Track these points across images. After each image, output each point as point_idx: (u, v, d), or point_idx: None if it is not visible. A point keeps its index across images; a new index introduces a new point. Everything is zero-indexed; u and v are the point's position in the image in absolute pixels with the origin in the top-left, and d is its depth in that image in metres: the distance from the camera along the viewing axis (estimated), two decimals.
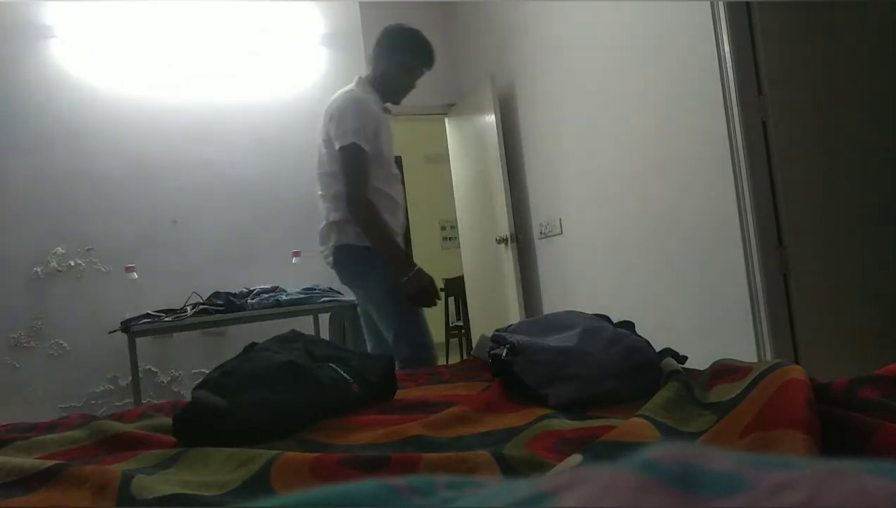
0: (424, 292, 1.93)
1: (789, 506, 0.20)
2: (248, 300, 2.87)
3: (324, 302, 2.93)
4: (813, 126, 2.45)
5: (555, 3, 3.38)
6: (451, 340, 5.31)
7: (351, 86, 2.06)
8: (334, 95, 2.02)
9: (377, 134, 1.96)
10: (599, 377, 1.17)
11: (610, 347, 1.23)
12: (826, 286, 2.38)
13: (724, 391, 1.06)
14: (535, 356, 1.21)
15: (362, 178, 1.89)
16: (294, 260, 3.26)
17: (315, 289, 3.04)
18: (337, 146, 1.89)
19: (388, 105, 2.14)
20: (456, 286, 5.01)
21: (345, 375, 1.25)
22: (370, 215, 1.90)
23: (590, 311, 1.55)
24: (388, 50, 2.08)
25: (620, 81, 2.95)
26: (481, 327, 4.39)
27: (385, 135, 2.01)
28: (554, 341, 1.25)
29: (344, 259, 1.99)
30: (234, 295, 2.90)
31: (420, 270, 1.94)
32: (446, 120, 4.70)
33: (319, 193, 2.05)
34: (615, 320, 1.45)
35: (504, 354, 1.23)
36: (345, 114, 1.91)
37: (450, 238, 7.07)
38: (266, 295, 2.92)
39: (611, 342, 1.24)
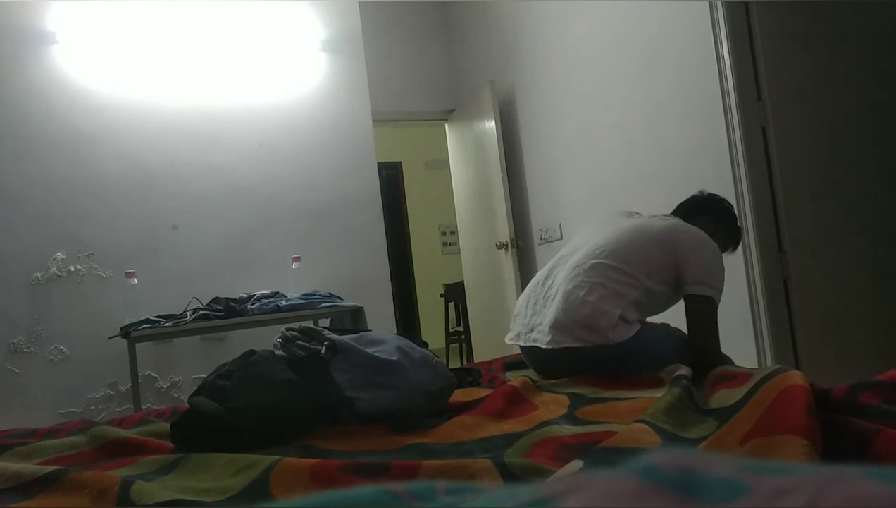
0: None
1: None
2: (248, 306, 2.87)
3: (324, 307, 2.93)
4: (812, 131, 2.45)
5: (555, 9, 3.39)
6: (452, 345, 5.31)
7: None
8: (693, 231, 1.77)
9: None
10: (412, 393, 1.26)
11: (421, 366, 1.31)
12: (826, 292, 2.38)
13: (725, 397, 1.06)
14: (355, 358, 1.25)
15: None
16: (294, 265, 3.25)
17: (315, 294, 3.03)
18: (701, 291, 1.67)
19: None
20: (456, 292, 5.01)
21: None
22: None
23: None
24: (729, 223, 1.94)
25: (620, 86, 2.95)
26: (481, 332, 4.39)
27: None
28: (373, 351, 1.28)
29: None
30: (234, 300, 2.90)
31: None
32: (446, 126, 4.71)
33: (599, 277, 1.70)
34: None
35: (323, 351, 1.24)
36: (718, 267, 1.71)
37: (450, 243, 7.06)
38: (266, 300, 2.92)
39: (421, 362, 1.32)
